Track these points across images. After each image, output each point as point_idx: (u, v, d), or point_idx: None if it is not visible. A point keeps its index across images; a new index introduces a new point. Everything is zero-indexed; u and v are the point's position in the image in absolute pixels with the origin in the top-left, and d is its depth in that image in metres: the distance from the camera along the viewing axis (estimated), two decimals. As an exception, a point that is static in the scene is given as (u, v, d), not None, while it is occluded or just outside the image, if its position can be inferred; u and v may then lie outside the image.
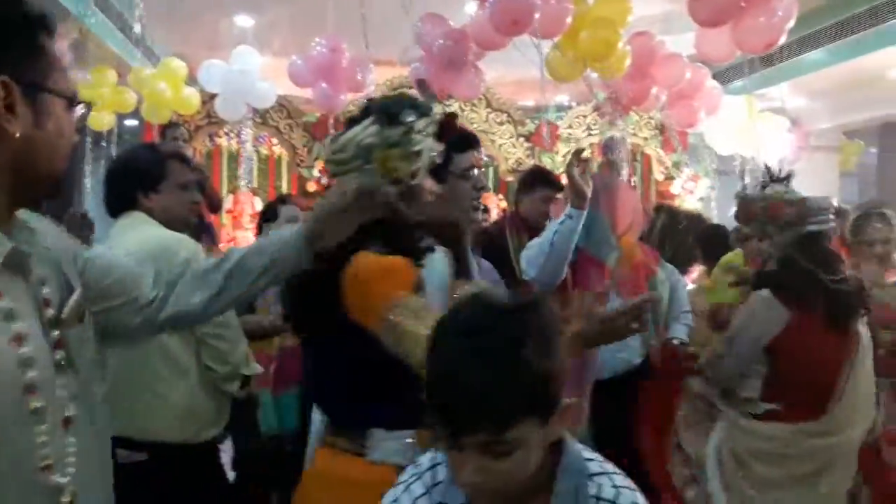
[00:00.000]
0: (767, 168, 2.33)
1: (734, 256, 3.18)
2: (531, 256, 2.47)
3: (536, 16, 3.76)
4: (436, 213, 1.43)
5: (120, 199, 1.99)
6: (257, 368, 2.11)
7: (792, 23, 3.83)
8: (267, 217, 2.81)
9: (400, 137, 1.35)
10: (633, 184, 7.41)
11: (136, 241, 1.90)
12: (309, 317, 1.45)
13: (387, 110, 1.37)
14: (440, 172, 1.58)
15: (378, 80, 5.85)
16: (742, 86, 6.11)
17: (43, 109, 0.92)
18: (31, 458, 0.88)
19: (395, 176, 1.34)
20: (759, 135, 6.08)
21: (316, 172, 6.57)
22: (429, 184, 1.44)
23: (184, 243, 1.93)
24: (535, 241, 2.53)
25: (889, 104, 6.99)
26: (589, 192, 2.27)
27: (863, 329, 2.23)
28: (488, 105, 6.94)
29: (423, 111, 1.39)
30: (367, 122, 1.37)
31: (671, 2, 4.91)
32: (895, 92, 6.71)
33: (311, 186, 6.56)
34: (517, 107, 7.26)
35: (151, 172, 1.99)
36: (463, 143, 1.76)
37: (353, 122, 1.42)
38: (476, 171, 1.80)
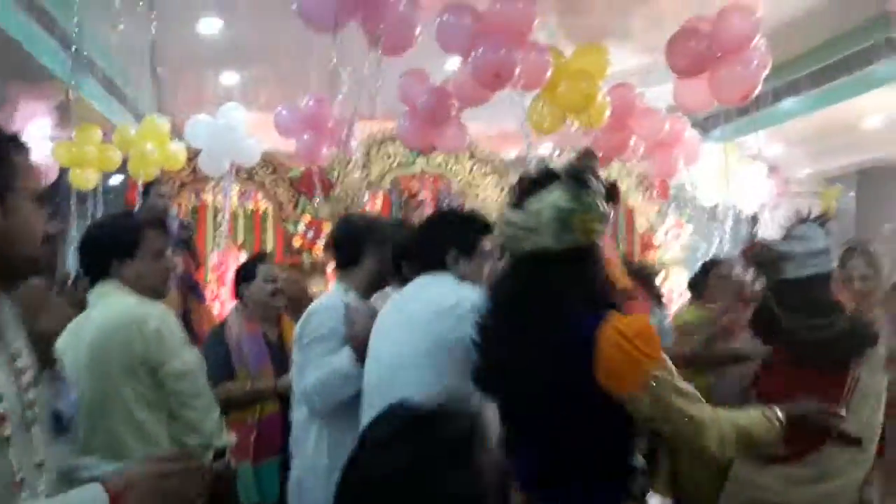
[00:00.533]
0: (797, 211, 2.24)
1: (688, 312, 3.23)
2: None
3: (517, 70, 3.81)
4: None
5: (94, 267, 1.96)
6: (231, 440, 2.02)
7: (766, 72, 3.90)
8: (244, 276, 2.74)
9: (592, 201, 1.42)
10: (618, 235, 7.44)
11: (105, 313, 1.87)
12: (542, 391, 1.40)
13: (577, 176, 1.44)
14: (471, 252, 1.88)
15: (359, 136, 5.88)
16: (721, 134, 6.20)
17: (10, 206, 1.10)
18: (8, 475, 1.04)
19: (591, 239, 1.43)
20: (738, 182, 6.15)
21: (301, 227, 6.54)
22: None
23: (153, 314, 1.88)
24: None
25: (865, 151, 7.11)
26: None
27: (867, 374, 2.05)
28: (472, 157, 6.99)
29: (597, 177, 1.46)
30: (558, 187, 1.42)
31: (649, 54, 5.00)
32: (871, 139, 6.84)
33: (297, 241, 6.52)
34: (501, 158, 7.31)
35: (125, 240, 1.95)
36: (487, 228, 1.97)
37: (527, 191, 1.46)
38: (492, 251, 1.96)
